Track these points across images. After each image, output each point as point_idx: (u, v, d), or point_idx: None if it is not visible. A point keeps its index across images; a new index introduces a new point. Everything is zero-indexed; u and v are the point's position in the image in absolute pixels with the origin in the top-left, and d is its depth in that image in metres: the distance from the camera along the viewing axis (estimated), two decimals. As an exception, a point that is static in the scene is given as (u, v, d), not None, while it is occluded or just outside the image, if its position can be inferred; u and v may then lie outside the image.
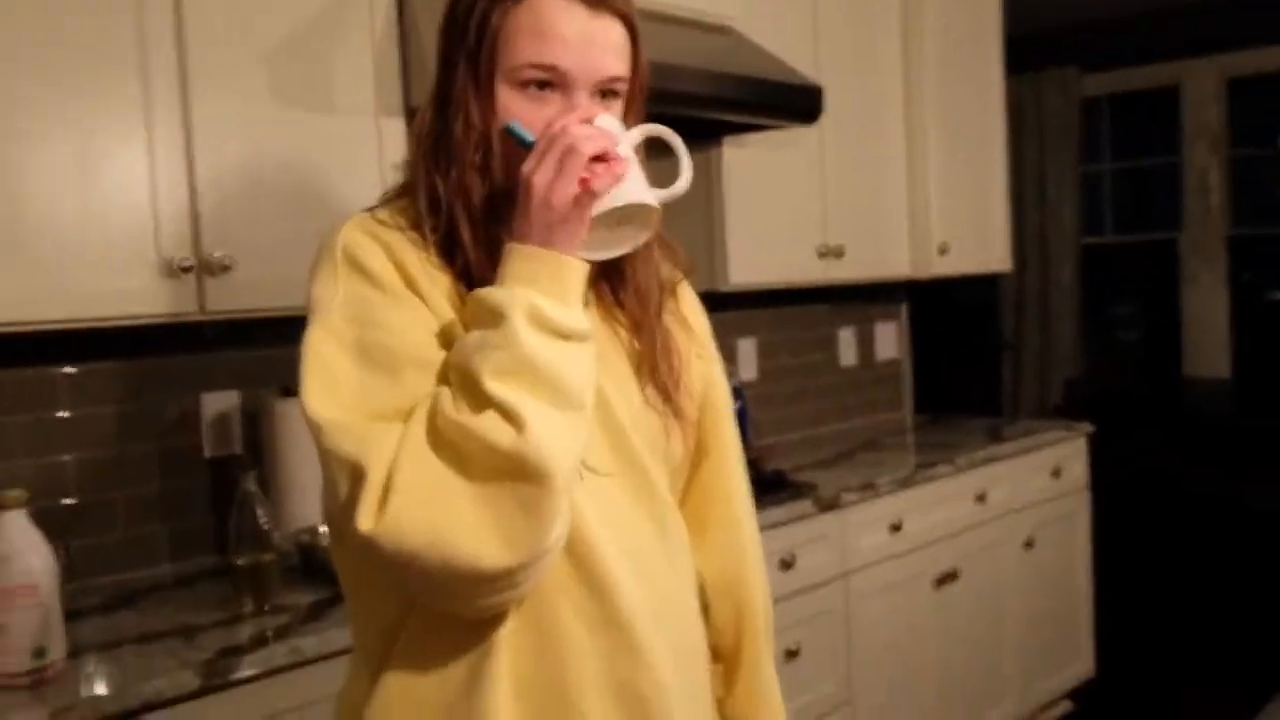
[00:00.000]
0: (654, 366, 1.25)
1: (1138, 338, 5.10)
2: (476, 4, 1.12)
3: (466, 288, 1.09)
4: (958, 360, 5.28)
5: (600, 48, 1.13)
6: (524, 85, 1.10)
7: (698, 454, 1.33)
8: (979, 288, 5.06)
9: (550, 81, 1.11)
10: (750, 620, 1.32)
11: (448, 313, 1.07)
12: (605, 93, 1.14)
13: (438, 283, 1.09)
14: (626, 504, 1.19)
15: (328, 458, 1.00)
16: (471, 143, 1.11)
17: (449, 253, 1.11)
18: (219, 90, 1.82)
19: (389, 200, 1.19)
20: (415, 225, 1.13)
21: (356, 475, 0.98)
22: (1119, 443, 4.58)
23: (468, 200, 1.12)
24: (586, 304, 1.22)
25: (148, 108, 1.74)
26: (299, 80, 1.92)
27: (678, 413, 1.28)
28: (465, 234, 1.11)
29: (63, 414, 1.98)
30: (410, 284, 1.07)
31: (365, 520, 0.96)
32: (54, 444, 1.97)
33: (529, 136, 1.10)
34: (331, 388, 1.03)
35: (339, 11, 1.97)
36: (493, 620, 1.07)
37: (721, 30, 2.63)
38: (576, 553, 1.12)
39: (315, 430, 1.01)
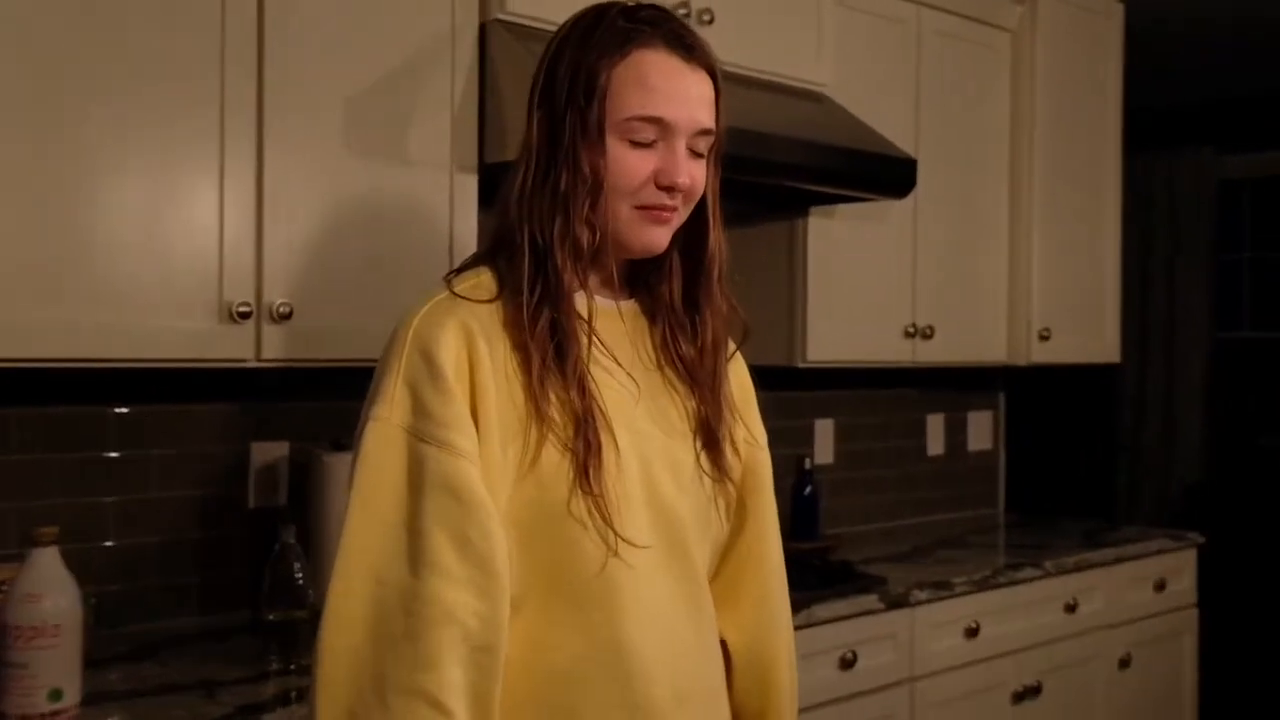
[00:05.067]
0: (712, 429, 1.34)
1: (1273, 444, 5.02)
2: (583, 61, 1.25)
3: (550, 350, 1.21)
4: (1065, 457, 5.24)
5: (695, 100, 1.26)
6: (632, 138, 1.23)
7: (735, 525, 1.40)
8: (1094, 380, 5.04)
9: (653, 140, 1.24)
10: (775, 699, 1.39)
11: (502, 412, 1.19)
12: (696, 152, 1.27)
13: (509, 369, 1.21)
14: (661, 580, 1.27)
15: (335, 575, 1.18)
16: (582, 194, 1.23)
17: (538, 312, 1.22)
18: (294, 133, 1.94)
19: (467, 268, 1.31)
20: (496, 295, 1.25)
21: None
22: (1238, 557, 4.50)
23: (578, 250, 1.24)
24: (642, 354, 1.33)
25: (223, 146, 1.87)
26: (375, 130, 2.04)
27: (728, 480, 1.36)
28: (569, 282, 1.23)
29: (111, 454, 2.12)
30: (475, 374, 1.19)
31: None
32: (97, 484, 2.10)
33: None
34: (371, 502, 1.18)
35: (421, 64, 2.09)
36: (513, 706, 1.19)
37: (813, 97, 2.72)
38: (605, 636, 1.21)
39: (340, 542, 1.17)
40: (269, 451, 2.28)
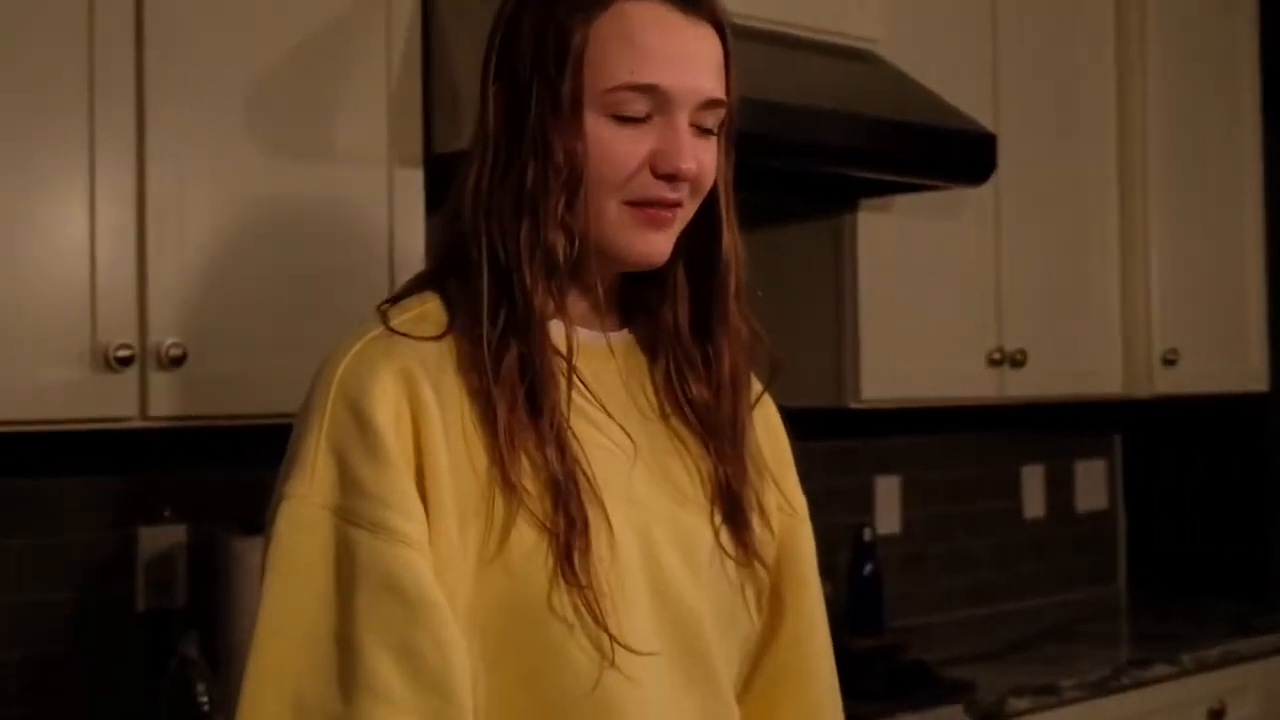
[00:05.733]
0: (735, 495, 1.33)
1: None
2: (551, 18, 1.24)
3: (520, 397, 1.21)
4: (1203, 517, 5.21)
5: (699, 62, 1.26)
6: (618, 113, 1.23)
7: (769, 623, 1.40)
8: (1236, 415, 5.01)
9: (647, 113, 1.24)
10: None
11: (457, 482, 1.19)
12: (703, 128, 1.27)
13: (466, 425, 1.20)
14: (673, 699, 1.26)
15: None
16: (555, 189, 1.23)
17: (503, 347, 1.22)
18: (184, 126, 1.94)
19: (408, 294, 1.31)
20: (446, 330, 1.24)
21: None
22: None
23: (551, 263, 1.23)
24: (640, 400, 1.32)
25: (91, 143, 1.87)
26: (290, 118, 2.04)
27: (758, 562, 1.35)
28: (541, 306, 1.22)
29: (-44, 547, 2.11)
30: (421, 433, 1.19)
31: None
32: (-61, 586, 2.10)
33: None
34: (287, 605, 1.17)
35: (347, 31, 2.09)
36: None
37: (860, 57, 2.72)
38: None
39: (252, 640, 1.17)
40: (161, 538, 2.27)
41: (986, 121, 2.90)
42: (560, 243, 1.23)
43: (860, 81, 2.65)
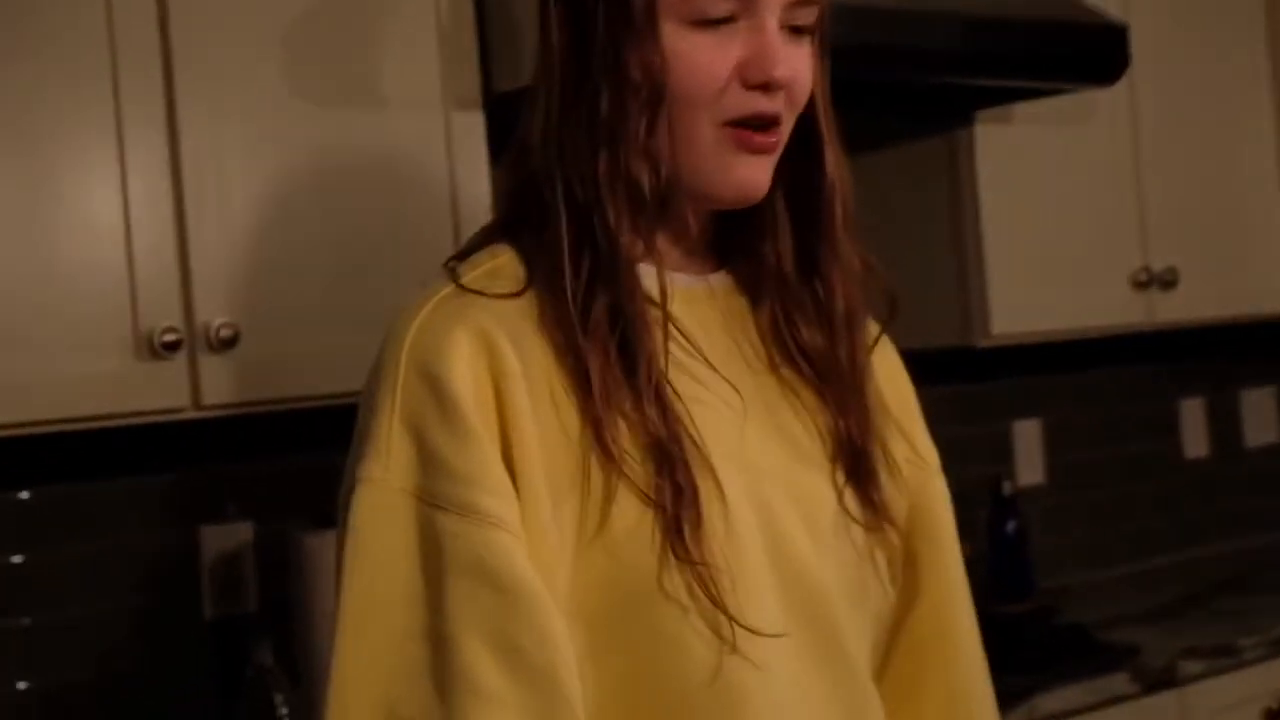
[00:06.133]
0: (860, 449, 1.32)
1: None
2: None
3: (614, 351, 1.20)
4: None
5: None
6: (697, 16, 1.22)
7: (904, 592, 1.40)
8: None
9: (731, 14, 1.22)
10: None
11: (548, 453, 1.19)
12: (795, 28, 1.25)
13: (555, 389, 1.20)
14: (805, 684, 1.26)
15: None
16: (635, 112, 1.22)
17: (590, 296, 1.21)
18: (218, 79, 1.96)
19: (477, 248, 1.31)
20: (526, 285, 1.24)
21: None
22: None
23: (636, 196, 1.22)
24: (746, 349, 1.32)
25: (118, 107, 1.89)
26: (333, 63, 2.05)
27: (888, 524, 1.34)
28: (628, 246, 1.22)
29: (14, 559, 2.15)
30: (505, 401, 1.18)
31: None
32: (-9, 602, 2.14)
33: None
34: (370, 602, 1.17)
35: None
36: None
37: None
38: None
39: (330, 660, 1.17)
40: (225, 538, 2.30)
41: (1115, 10, 2.86)
42: (645, 173, 1.23)
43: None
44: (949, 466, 1.47)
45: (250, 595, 2.30)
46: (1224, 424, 3.68)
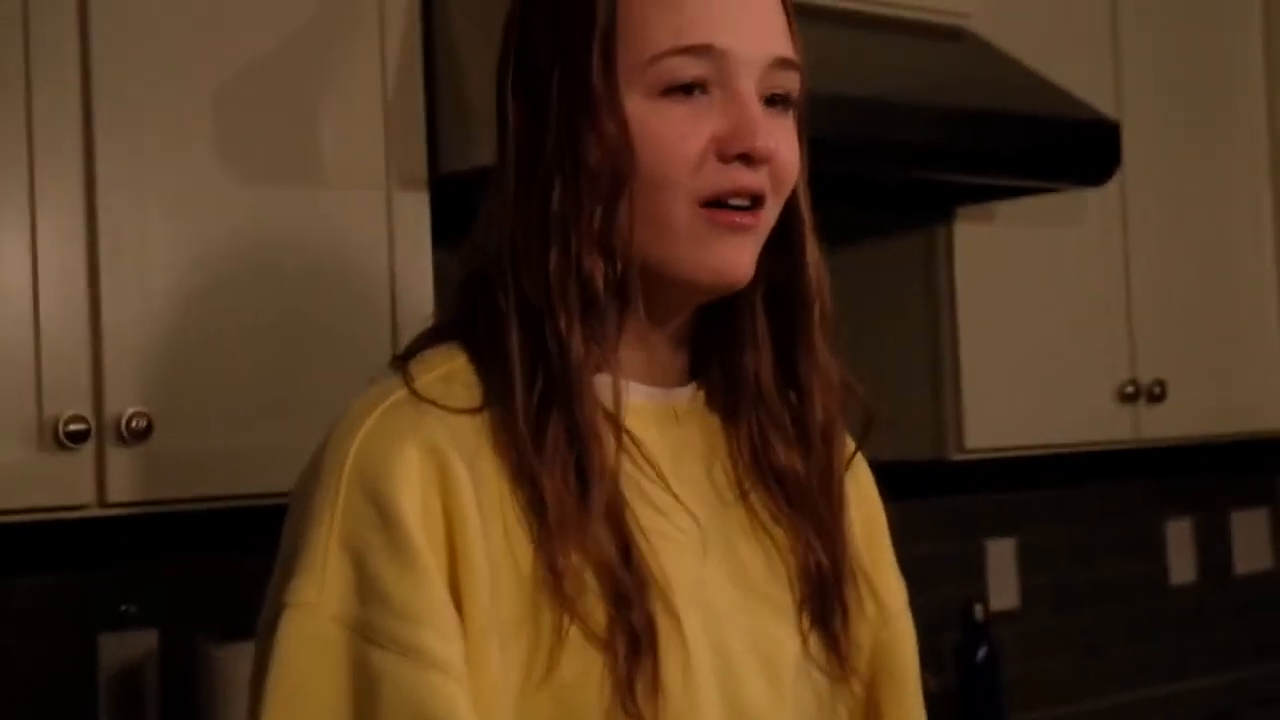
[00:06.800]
0: (831, 592, 1.32)
1: None
2: None
3: (571, 477, 1.18)
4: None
5: (759, 17, 1.24)
6: (667, 84, 1.20)
7: None
8: None
9: (702, 79, 1.21)
10: None
11: (497, 588, 1.16)
12: (774, 98, 1.24)
13: (508, 515, 1.18)
14: None
15: None
16: (590, 199, 1.20)
17: (544, 415, 1.19)
18: (142, 148, 1.93)
19: (429, 346, 1.28)
20: (483, 398, 1.22)
21: None
22: None
23: (588, 294, 1.20)
24: (716, 473, 1.30)
25: (31, 171, 1.86)
26: (268, 135, 2.03)
27: (853, 675, 1.34)
28: (578, 357, 1.19)
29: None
30: (455, 528, 1.16)
31: None
32: None
33: None
34: None
35: (331, 32, 2.08)
36: None
37: (951, 35, 2.73)
38: None
39: None
40: (127, 645, 2.25)
41: (1107, 108, 2.89)
42: (599, 268, 1.20)
43: (950, 65, 2.65)
44: (918, 587, 1.46)
45: (151, 711, 2.25)
46: (1213, 548, 3.69)
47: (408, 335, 1.46)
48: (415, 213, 2.13)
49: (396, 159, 2.12)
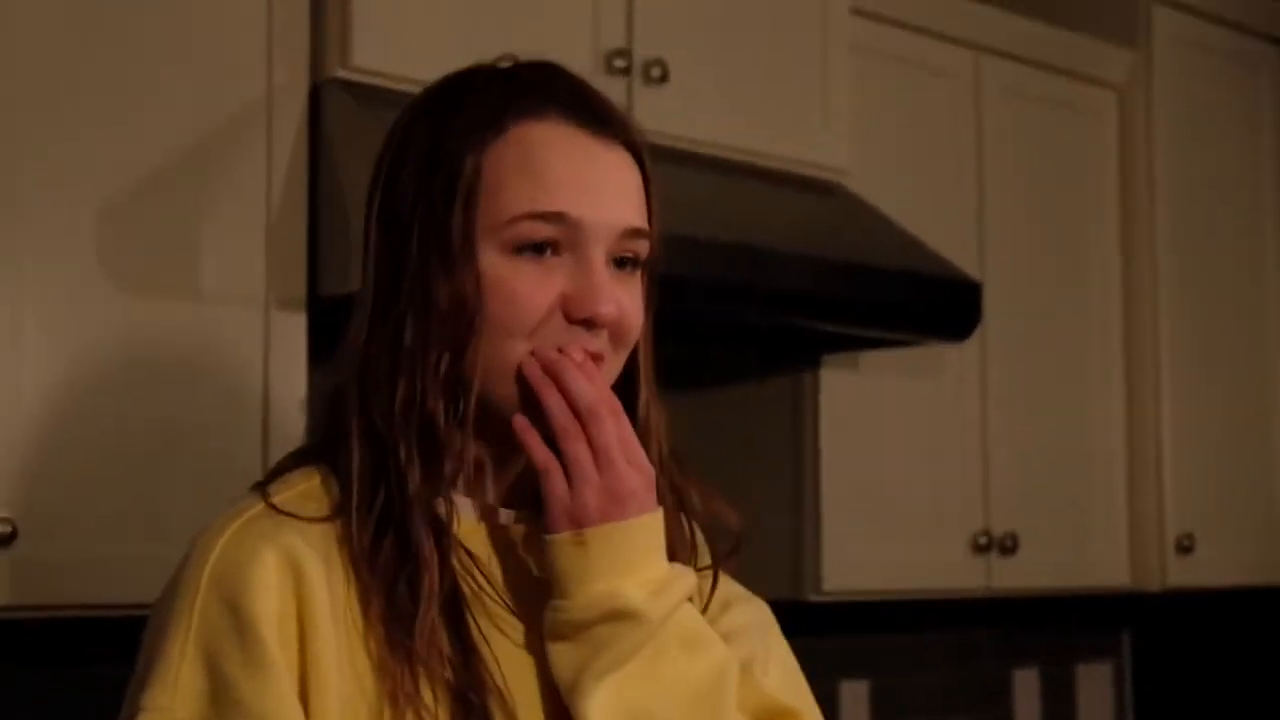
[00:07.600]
0: None
1: None
2: (438, 145, 1.26)
3: (402, 589, 1.19)
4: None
5: (613, 189, 1.28)
6: (519, 243, 1.23)
7: None
8: (1265, 611, 5.02)
9: (554, 240, 1.24)
10: None
11: (344, 694, 1.17)
12: (622, 260, 1.28)
13: (353, 622, 1.19)
14: None
15: None
16: (437, 342, 1.23)
17: (380, 535, 1.21)
18: (21, 258, 1.93)
19: (290, 469, 1.30)
20: (334, 511, 1.24)
21: None
22: None
23: (429, 431, 1.23)
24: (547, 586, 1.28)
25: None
26: (149, 250, 2.03)
27: None
28: (415, 486, 1.22)
29: None
30: (307, 635, 1.17)
31: None
32: None
33: None
34: None
35: (220, 148, 2.10)
36: None
37: (822, 189, 2.77)
38: None
39: None
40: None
41: (971, 267, 2.95)
42: (441, 409, 1.23)
43: (823, 218, 2.69)
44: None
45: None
46: (1058, 698, 3.70)
47: (280, 451, 1.46)
48: (292, 332, 2.14)
49: (277, 279, 2.13)
